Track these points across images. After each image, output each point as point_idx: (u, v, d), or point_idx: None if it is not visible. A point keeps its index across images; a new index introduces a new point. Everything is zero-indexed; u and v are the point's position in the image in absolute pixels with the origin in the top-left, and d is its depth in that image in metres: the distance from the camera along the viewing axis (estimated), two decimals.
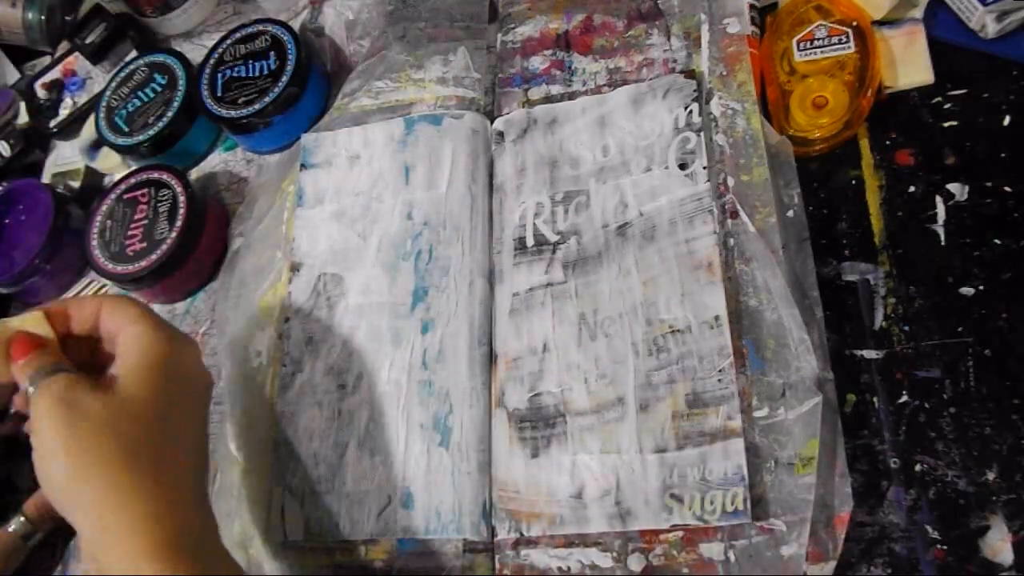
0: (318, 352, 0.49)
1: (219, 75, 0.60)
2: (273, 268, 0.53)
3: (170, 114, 0.61)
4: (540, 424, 0.44)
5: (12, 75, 0.78)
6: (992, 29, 0.46)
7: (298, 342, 0.50)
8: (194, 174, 0.63)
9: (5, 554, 0.46)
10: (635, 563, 0.40)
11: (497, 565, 0.42)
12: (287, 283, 0.52)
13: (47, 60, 0.74)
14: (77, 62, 0.71)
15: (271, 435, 0.48)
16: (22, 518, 0.47)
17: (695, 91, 0.48)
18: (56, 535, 0.50)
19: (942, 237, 0.44)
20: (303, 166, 0.55)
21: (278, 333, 0.51)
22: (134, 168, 0.60)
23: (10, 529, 0.47)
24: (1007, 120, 0.46)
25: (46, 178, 0.69)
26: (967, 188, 0.45)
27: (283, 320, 0.51)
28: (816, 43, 0.49)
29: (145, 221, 0.56)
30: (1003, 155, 0.45)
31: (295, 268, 0.52)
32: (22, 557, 0.47)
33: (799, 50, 0.49)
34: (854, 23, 0.49)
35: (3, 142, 0.70)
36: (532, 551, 0.42)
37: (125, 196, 0.58)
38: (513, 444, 0.44)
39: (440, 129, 0.53)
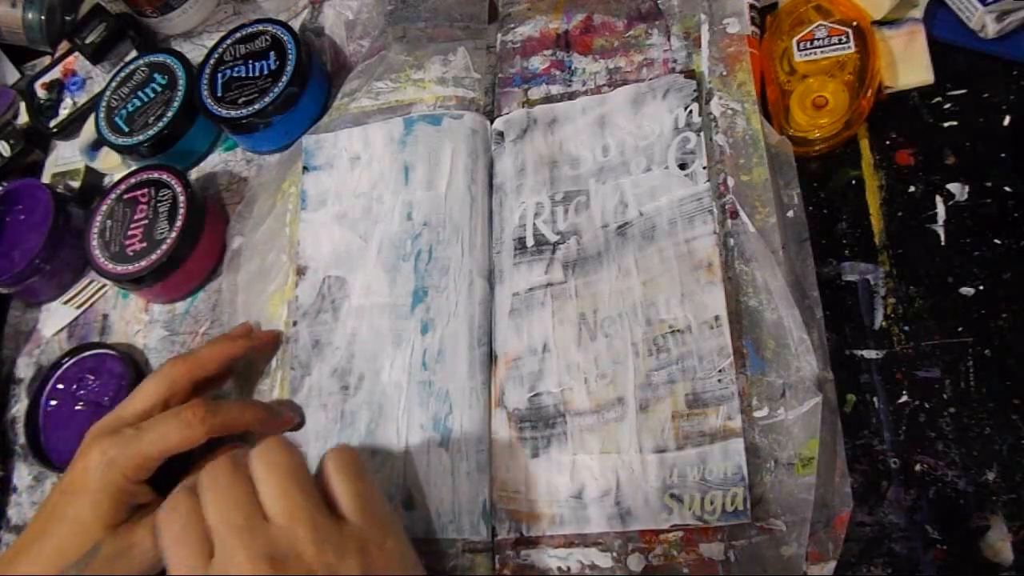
0: (324, 354, 0.49)
1: (219, 75, 0.60)
2: (280, 271, 0.53)
3: (170, 114, 0.61)
4: (540, 424, 0.44)
5: (12, 75, 0.78)
6: (992, 29, 0.46)
7: (305, 345, 0.50)
8: (194, 174, 0.63)
9: None
10: (635, 563, 0.40)
11: (497, 565, 0.42)
12: (294, 286, 0.52)
13: (47, 60, 0.74)
14: (77, 62, 0.71)
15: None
16: None
17: (695, 91, 0.48)
18: None
19: (942, 237, 0.44)
20: (305, 168, 0.55)
21: (286, 337, 0.51)
22: (134, 168, 0.60)
23: None
24: (1007, 120, 0.46)
25: (46, 178, 0.69)
26: (967, 188, 0.45)
27: (291, 323, 0.51)
28: (816, 43, 0.49)
29: (145, 221, 0.56)
30: (1003, 155, 0.45)
31: (301, 271, 0.52)
32: None
33: (799, 50, 0.49)
34: (854, 23, 0.49)
35: (3, 142, 0.70)
36: (532, 551, 0.42)
37: (125, 196, 0.58)
38: (513, 444, 0.44)
39: (440, 129, 0.53)
